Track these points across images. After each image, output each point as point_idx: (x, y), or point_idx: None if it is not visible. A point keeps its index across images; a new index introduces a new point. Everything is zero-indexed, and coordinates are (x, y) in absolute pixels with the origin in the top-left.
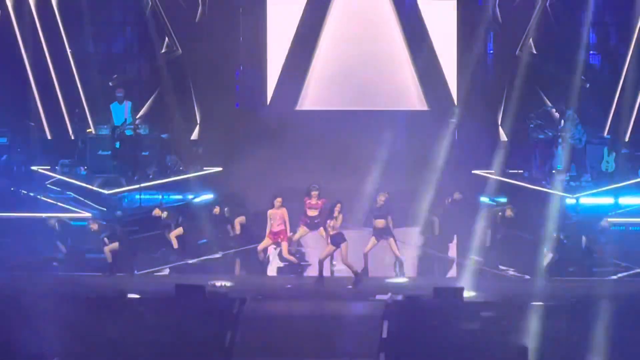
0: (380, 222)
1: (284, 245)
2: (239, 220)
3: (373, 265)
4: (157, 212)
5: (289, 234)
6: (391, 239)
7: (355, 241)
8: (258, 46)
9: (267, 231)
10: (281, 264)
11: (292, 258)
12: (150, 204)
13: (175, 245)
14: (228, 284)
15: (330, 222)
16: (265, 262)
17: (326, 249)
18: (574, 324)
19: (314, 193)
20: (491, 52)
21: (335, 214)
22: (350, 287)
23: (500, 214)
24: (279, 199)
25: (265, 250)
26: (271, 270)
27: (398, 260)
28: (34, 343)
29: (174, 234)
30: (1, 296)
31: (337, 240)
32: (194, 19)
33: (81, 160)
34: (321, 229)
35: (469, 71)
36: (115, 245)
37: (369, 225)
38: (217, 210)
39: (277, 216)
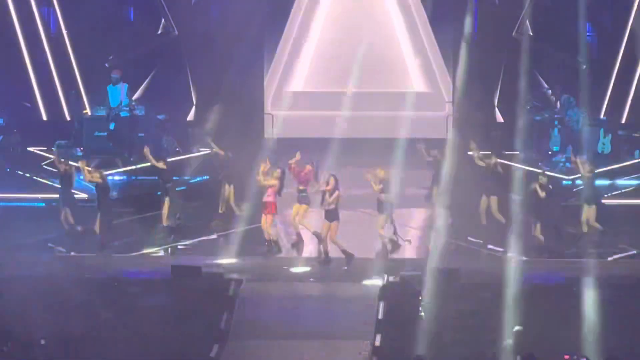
0: (384, 197)
1: (269, 218)
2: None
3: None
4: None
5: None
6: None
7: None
8: (254, 26)
9: None
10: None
11: (271, 234)
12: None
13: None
14: (224, 263)
15: (326, 197)
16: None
17: (324, 227)
18: (568, 304)
19: (297, 157)
20: (487, 34)
21: (329, 187)
22: (345, 268)
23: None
24: (263, 166)
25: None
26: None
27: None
28: (25, 325)
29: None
30: None
31: (329, 216)
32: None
33: (77, 141)
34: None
35: (465, 53)
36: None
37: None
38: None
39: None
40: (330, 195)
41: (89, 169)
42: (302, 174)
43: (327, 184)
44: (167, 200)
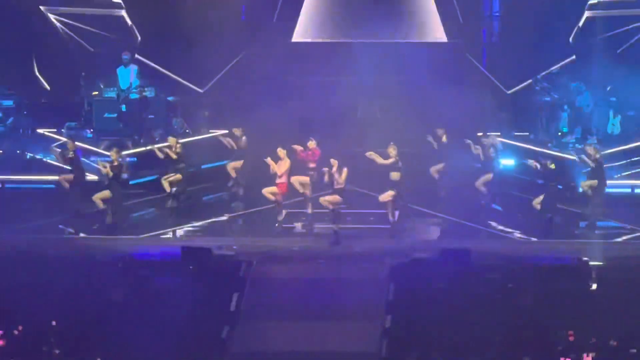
0: (395, 175)
1: (279, 197)
2: (233, 166)
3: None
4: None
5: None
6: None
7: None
8: None
9: None
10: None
11: (280, 216)
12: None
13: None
14: (235, 245)
15: (336, 177)
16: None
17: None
18: (577, 285)
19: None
20: (497, 13)
21: (335, 168)
22: (356, 249)
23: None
24: (281, 150)
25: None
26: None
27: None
28: (35, 307)
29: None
30: (7, 258)
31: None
32: None
33: (87, 123)
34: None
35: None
36: (106, 193)
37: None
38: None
39: (280, 167)
40: (340, 174)
41: (105, 164)
42: (309, 154)
43: (332, 166)
44: (178, 176)
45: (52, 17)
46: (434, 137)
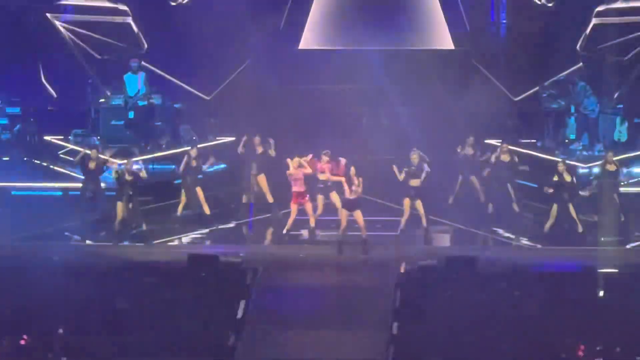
0: (415, 182)
1: (308, 207)
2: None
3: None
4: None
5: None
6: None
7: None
8: None
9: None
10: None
11: (312, 220)
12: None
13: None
14: (241, 252)
15: (353, 186)
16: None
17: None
18: (586, 292)
19: (325, 157)
20: (504, 21)
21: (353, 174)
22: (363, 256)
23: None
24: (296, 159)
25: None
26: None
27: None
28: (42, 314)
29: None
30: (13, 266)
31: (356, 204)
32: None
33: (94, 130)
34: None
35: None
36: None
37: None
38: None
39: (297, 176)
40: (353, 183)
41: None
42: (325, 166)
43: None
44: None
45: (58, 24)
46: (465, 146)
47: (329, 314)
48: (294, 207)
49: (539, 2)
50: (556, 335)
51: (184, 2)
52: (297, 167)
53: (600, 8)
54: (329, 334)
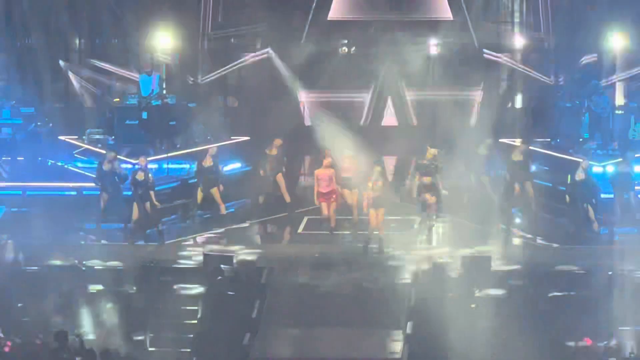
0: (427, 179)
1: (333, 205)
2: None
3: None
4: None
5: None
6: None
7: None
8: None
9: (315, 193)
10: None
11: (333, 221)
12: (178, 174)
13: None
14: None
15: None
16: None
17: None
18: (593, 291)
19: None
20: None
21: (375, 175)
22: (376, 255)
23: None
24: (328, 159)
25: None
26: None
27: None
28: (57, 315)
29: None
30: (25, 267)
31: (380, 202)
32: None
33: (109, 130)
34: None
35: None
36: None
37: None
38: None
39: (325, 177)
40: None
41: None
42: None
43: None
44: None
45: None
46: (481, 147)
47: (344, 313)
48: (324, 205)
49: None
50: (569, 332)
51: None
52: (327, 167)
53: None
54: (344, 332)
